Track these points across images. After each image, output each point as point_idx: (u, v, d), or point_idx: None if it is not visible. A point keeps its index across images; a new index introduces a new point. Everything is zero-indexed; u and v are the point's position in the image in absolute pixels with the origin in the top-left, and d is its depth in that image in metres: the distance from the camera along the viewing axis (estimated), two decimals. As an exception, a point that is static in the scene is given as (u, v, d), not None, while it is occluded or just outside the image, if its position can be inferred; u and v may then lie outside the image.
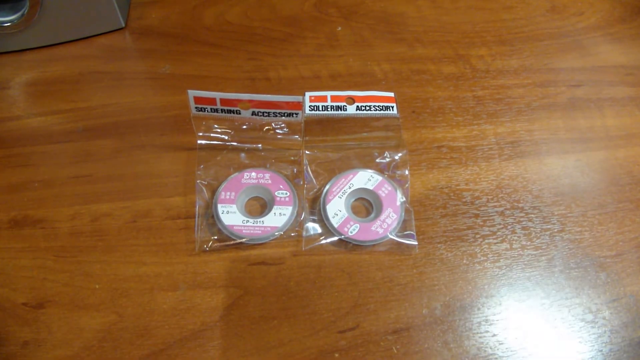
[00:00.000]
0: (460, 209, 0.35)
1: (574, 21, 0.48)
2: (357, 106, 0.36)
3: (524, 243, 0.34)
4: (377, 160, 0.37)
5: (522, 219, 0.35)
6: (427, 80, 0.43)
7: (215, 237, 0.33)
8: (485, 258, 0.33)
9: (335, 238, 0.33)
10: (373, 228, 0.33)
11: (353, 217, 0.34)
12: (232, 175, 0.35)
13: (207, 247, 0.33)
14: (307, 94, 0.37)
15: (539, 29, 0.48)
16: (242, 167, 0.36)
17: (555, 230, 0.34)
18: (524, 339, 0.30)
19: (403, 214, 0.34)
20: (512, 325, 0.31)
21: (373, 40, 0.46)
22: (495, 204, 0.36)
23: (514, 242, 0.34)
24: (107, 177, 0.37)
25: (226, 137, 0.37)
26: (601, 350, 0.30)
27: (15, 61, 0.44)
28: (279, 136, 0.38)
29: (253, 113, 0.35)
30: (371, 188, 0.35)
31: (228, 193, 0.34)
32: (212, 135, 0.37)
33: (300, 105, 0.34)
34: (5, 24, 0.41)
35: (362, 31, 0.47)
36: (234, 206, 0.34)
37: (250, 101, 0.34)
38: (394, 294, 0.32)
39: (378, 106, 0.37)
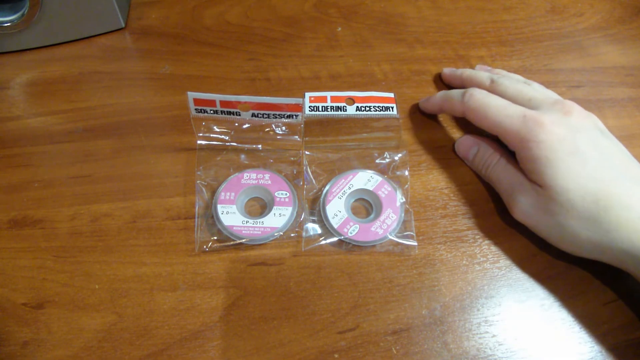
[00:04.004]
0: (460, 210, 0.35)
1: (574, 22, 0.48)
2: (357, 107, 0.36)
3: (524, 243, 0.34)
4: (377, 160, 0.37)
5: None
6: (428, 81, 0.43)
7: (215, 238, 0.33)
8: (485, 259, 0.33)
9: (335, 239, 0.33)
10: (373, 229, 0.33)
11: (353, 217, 0.34)
12: (232, 176, 0.35)
13: (206, 247, 0.33)
14: (307, 95, 0.37)
15: (539, 29, 0.48)
16: (242, 168, 0.36)
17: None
18: (524, 340, 0.30)
19: (403, 214, 0.34)
20: (511, 326, 0.31)
21: (373, 40, 0.46)
22: (496, 204, 0.36)
23: (514, 242, 0.34)
24: (107, 177, 0.37)
25: (226, 138, 0.38)
26: (601, 351, 0.30)
27: (15, 61, 0.44)
28: (278, 137, 0.38)
29: (253, 115, 0.35)
30: (371, 189, 0.35)
31: (228, 193, 0.34)
32: (212, 135, 0.37)
33: (300, 107, 0.34)
34: (5, 24, 0.41)
35: (362, 31, 0.47)
36: (234, 207, 0.34)
37: (250, 103, 0.34)
38: (394, 295, 0.32)
39: (378, 107, 0.37)
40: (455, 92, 0.36)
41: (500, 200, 0.35)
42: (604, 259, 0.30)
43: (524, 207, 0.32)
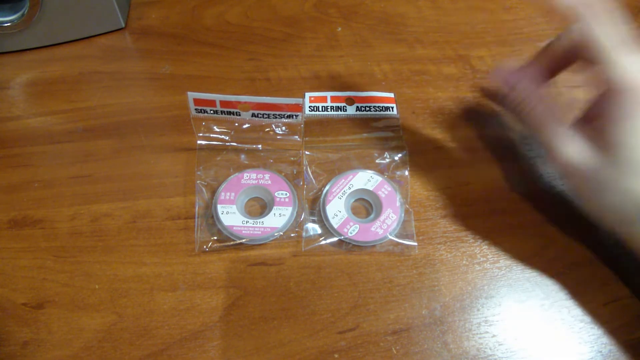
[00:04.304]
0: (460, 210, 0.35)
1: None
2: (357, 107, 0.37)
3: (524, 243, 0.34)
4: (377, 160, 0.37)
5: (522, 219, 0.35)
6: (428, 81, 0.43)
7: (215, 238, 0.33)
8: (485, 259, 0.33)
9: (335, 239, 0.33)
10: (373, 229, 0.33)
11: (353, 217, 0.34)
12: (232, 176, 0.35)
13: (206, 247, 0.33)
14: (307, 95, 0.38)
15: (539, 29, 0.48)
16: (242, 168, 0.36)
17: (555, 230, 0.34)
18: (524, 340, 0.30)
19: (403, 214, 0.34)
20: (511, 326, 0.31)
21: (373, 40, 0.46)
22: (496, 204, 0.36)
23: (514, 242, 0.34)
24: (107, 177, 0.37)
25: (226, 138, 0.38)
26: (601, 351, 0.30)
27: (15, 61, 0.44)
28: (278, 137, 0.38)
29: (253, 115, 0.35)
30: (371, 189, 0.35)
31: (228, 193, 0.34)
32: (212, 135, 0.37)
33: (300, 107, 0.34)
34: (5, 24, 0.41)
35: (362, 31, 0.47)
36: (234, 207, 0.34)
37: (250, 103, 0.34)
38: (394, 295, 0.32)
39: (378, 107, 0.37)
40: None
41: (500, 200, 0.35)
42: (626, 236, 0.29)
43: (568, 160, 0.29)
